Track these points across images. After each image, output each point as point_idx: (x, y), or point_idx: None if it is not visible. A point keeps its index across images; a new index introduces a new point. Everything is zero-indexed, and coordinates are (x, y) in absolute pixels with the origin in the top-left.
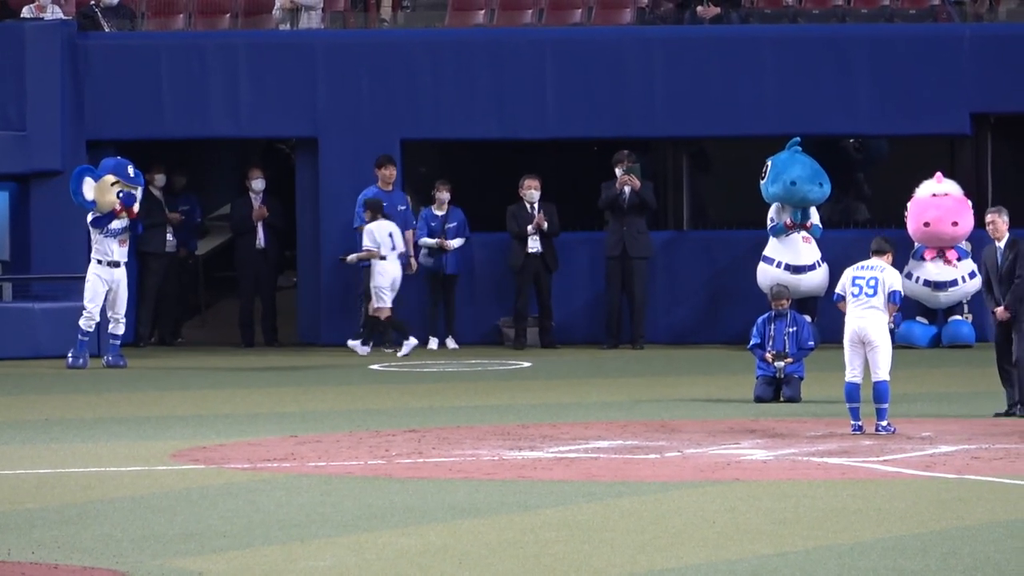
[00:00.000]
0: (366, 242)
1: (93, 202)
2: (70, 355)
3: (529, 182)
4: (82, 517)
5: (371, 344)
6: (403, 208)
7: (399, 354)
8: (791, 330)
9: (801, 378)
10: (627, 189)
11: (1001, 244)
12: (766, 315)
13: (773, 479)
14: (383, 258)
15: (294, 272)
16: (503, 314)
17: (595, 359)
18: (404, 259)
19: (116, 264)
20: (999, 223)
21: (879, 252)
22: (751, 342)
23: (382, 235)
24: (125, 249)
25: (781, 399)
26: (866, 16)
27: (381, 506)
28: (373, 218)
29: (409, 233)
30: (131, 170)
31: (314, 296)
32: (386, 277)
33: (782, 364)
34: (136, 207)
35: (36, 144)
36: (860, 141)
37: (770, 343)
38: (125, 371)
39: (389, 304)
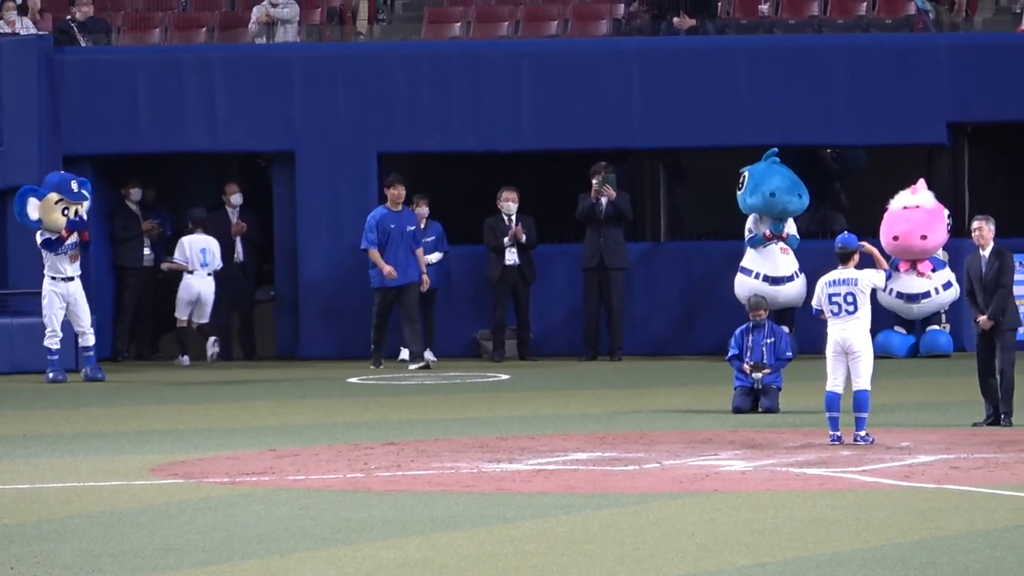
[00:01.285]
0: (176, 255)
1: (39, 221)
2: (49, 372)
3: (507, 194)
4: (61, 532)
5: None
6: (412, 228)
7: (182, 364)
8: (769, 341)
9: (779, 388)
10: (603, 200)
11: (985, 252)
12: (744, 326)
13: (752, 490)
14: (191, 272)
15: (272, 286)
16: (481, 327)
17: (573, 371)
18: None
19: (70, 279)
20: (985, 230)
21: (845, 259)
22: (729, 353)
23: (193, 250)
24: (77, 264)
25: (759, 410)
26: (842, 26)
27: (360, 519)
28: (192, 231)
29: (420, 251)
30: (74, 185)
31: (292, 310)
32: (188, 291)
33: (760, 375)
34: (87, 232)
35: (13, 159)
36: (838, 151)
37: (748, 354)
38: (103, 385)
39: (184, 318)
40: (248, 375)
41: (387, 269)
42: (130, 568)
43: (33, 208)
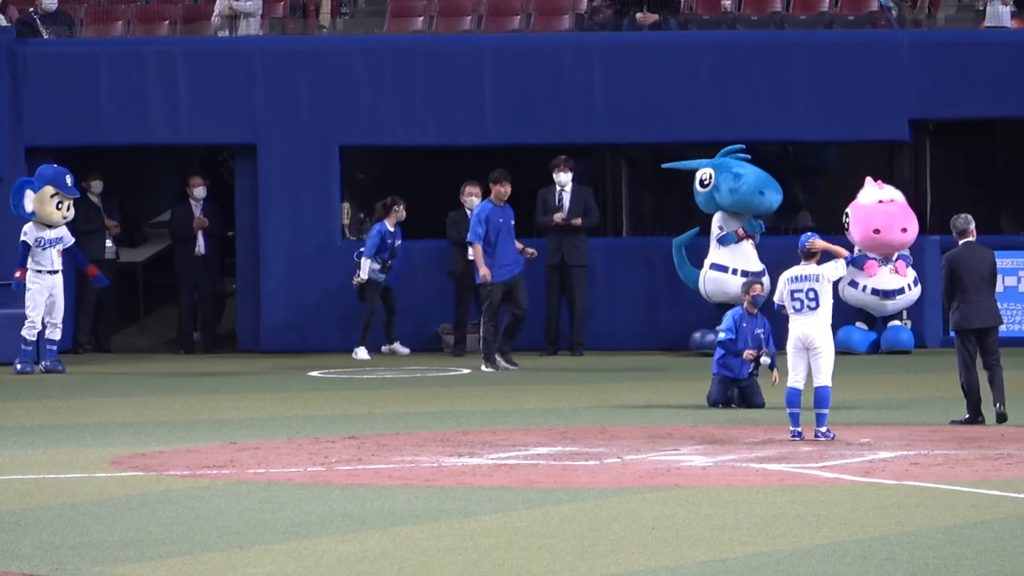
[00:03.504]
0: None
1: (33, 213)
2: (18, 363)
3: (470, 189)
4: (21, 524)
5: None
6: (513, 223)
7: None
8: (759, 332)
9: (759, 373)
10: (565, 196)
11: None
12: (739, 310)
13: (712, 485)
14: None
15: (233, 279)
16: (443, 321)
17: (534, 365)
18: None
19: (55, 272)
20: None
21: (808, 256)
22: (724, 336)
23: None
24: (61, 257)
25: (744, 406)
26: (805, 22)
27: (320, 513)
28: None
29: (519, 244)
30: (68, 180)
31: (254, 303)
32: None
33: (767, 360)
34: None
35: None
36: (785, 147)
37: (745, 341)
38: (64, 377)
39: None
40: (209, 368)
41: (484, 271)
42: (90, 560)
43: (28, 200)
